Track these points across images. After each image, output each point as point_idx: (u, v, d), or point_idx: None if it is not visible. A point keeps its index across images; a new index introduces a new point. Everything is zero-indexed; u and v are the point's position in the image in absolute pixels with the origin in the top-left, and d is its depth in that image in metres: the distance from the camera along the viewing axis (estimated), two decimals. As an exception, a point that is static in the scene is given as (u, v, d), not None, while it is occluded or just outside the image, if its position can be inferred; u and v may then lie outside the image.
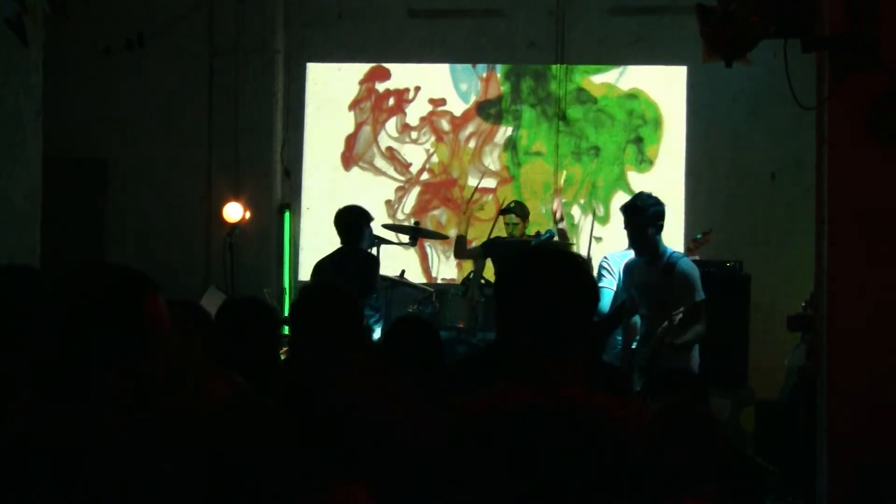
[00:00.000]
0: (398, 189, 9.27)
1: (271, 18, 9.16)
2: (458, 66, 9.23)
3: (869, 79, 4.41)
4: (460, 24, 9.19)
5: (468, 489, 2.31)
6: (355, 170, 9.29)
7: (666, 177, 8.89)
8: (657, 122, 9.02)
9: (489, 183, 9.18)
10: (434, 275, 9.18)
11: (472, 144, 9.21)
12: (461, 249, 8.06)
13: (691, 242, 7.61)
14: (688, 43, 7.30)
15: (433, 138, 9.24)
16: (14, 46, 5.96)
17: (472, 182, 9.05)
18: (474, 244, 8.10)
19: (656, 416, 2.62)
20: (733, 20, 4.35)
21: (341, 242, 7.16)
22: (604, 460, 2.31)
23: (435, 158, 9.24)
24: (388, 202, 9.25)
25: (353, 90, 9.32)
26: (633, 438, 2.35)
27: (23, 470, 2.01)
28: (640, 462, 2.36)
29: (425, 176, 9.25)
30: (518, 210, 7.85)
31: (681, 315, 5.55)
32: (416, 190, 9.27)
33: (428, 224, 9.04)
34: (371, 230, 7.23)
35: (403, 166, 9.26)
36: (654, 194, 6.09)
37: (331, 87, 9.32)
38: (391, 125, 9.29)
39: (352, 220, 7.15)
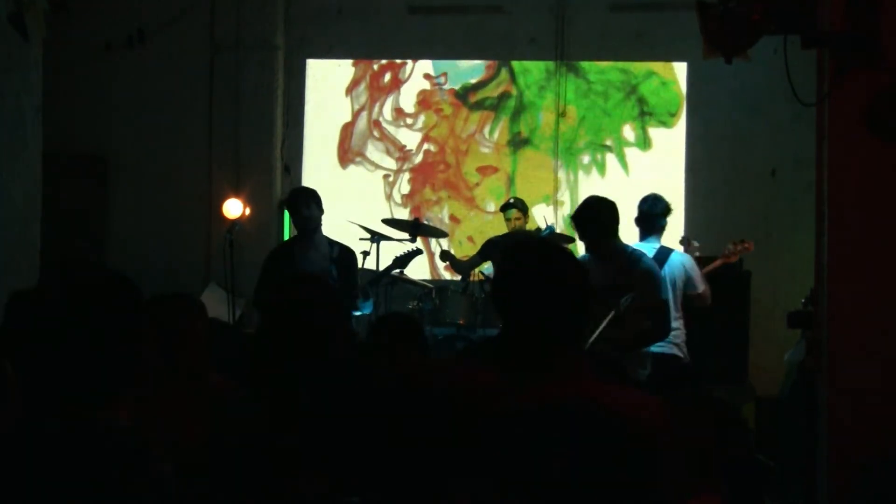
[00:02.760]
0: (398, 159, 9.25)
1: (272, 15, 9.16)
2: (456, 62, 9.23)
3: (869, 75, 4.40)
4: (460, 20, 9.18)
5: (482, 486, 2.31)
6: (351, 166, 9.28)
7: (665, 172, 8.89)
8: (672, 102, 9.02)
9: (489, 157, 9.17)
10: (434, 250, 9.14)
11: (470, 122, 9.19)
12: (457, 265, 8.08)
13: (728, 248, 7.12)
14: (688, 39, 7.28)
15: (431, 117, 9.22)
16: (14, 43, 5.94)
17: (471, 164, 9.08)
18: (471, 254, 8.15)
19: (670, 411, 2.62)
20: (733, 16, 4.34)
21: None
22: (627, 456, 2.31)
23: (435, 132, 9.22)
24: (385, 177, 9.23)
25: (349, 74, 9.30)
26: (653, 433, 2.36)
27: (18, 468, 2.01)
28: (656, 457, 2.36)
29: (422, 155, 9.23)
30: (518, 205, 7.89)
31: (614, 314, 5.11)
32: (412, 173, 9.26)
33: (425, 209, 9.01)
34: (311, 208, 6.60)
35: (399, 148, 9.25)
36: (601, 195, 5.66)
37: (331, 84, 9.32)
38: (387, 110, 9.27)
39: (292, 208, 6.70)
